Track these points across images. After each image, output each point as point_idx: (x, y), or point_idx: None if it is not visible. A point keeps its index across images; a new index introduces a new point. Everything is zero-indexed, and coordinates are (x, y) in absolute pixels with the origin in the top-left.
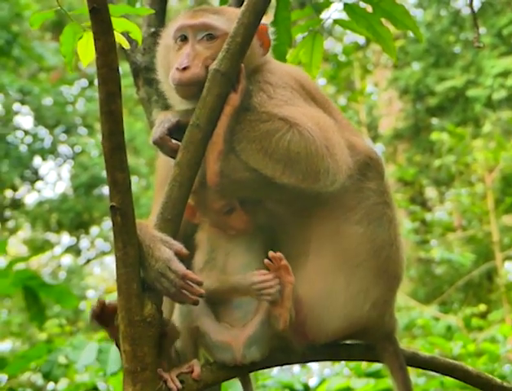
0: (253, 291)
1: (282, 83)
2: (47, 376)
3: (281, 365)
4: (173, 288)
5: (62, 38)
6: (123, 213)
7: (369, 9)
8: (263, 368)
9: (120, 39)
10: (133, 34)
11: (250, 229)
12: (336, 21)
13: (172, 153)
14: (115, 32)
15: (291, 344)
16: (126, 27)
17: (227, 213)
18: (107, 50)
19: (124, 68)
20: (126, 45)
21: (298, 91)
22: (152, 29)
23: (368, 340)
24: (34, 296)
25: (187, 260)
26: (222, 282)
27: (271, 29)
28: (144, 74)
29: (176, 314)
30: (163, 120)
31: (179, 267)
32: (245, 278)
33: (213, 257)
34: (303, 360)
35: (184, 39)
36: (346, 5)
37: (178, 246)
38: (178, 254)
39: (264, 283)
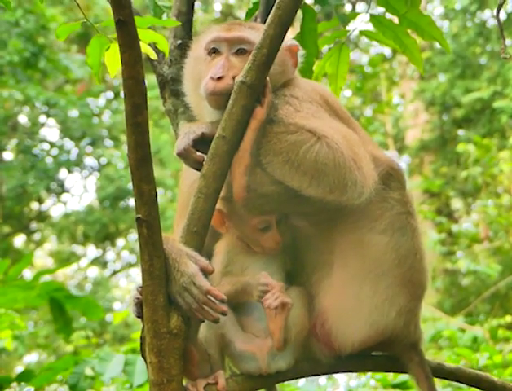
0: (257, 292)
1: (308, 97)
2: (74, 388)
3: (307, 376)
4: (195, 304)
5: (89, 50)
6: (149, 224)
7: (396, 20)
8: (289, 379)
9: (147, 50)
10: (160, 45)
11: (278, 250)
12: (362, 32)
13: (196, 165)
14: (142, 44)
15: (317, 355)
16: (153, 38)
17: (263, 230)
18: (133, 62)
19: (149, 79)
20: (154, 56)
21: (323, 106)
22: (179, 41)
23: (393, 351)
24: (60, 308)
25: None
26: (234, 284)
27: (301, 51)
28: (171, 86)
29: None
30: (187, 132)
31: (204, 283)
32: (254, 279)
33: (229, 271)
34: (329, 371)
35: (217, 51)
36: (372, 16)
37: (204, 262)
38: (203, 270)
39: (269, 287)
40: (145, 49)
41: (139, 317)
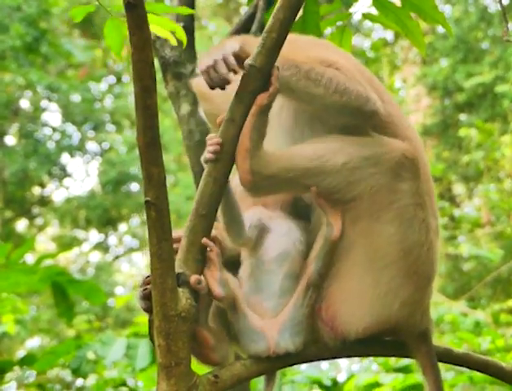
0: None
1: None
2: (76, 372)
3: (314, 360)
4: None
5: (105, 31)
6: (158, 207)
7: (398, 3)
8: (296, 363)
9: (169, 37)
10: (177, 34)
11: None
12: (365, 15)
13: (222, 82)
14: (162, 30)
15: (324, 339)
16: (171, 27)
17: None
18: (142, 45)
19: None
20: (175, 42)
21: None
22: (181, 24)
23: (401, 337)
24: (63, 292)
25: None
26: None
27: None
28: (173, 68)
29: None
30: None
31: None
32: None
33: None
34: (337, 355)
35: None
36: None
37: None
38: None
39: None
40: (166, 35)
41: (146, 310)
